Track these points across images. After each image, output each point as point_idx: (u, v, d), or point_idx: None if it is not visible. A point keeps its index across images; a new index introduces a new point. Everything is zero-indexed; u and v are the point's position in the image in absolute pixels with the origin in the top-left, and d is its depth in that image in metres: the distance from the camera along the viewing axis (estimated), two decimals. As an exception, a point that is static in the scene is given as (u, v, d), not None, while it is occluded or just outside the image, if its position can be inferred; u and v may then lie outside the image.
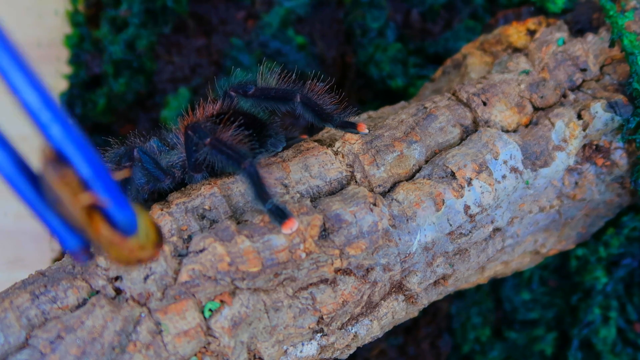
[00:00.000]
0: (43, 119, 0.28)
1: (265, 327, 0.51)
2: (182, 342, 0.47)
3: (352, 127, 0.55)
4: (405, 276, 0.56)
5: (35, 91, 0.27)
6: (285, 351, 0.54)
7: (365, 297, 0.55)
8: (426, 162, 0.58)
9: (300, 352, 0.54)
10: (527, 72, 0.63)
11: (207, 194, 0.53)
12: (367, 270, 0.53)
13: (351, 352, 0.58)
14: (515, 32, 0.69)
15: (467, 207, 0.56)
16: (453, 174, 0.56)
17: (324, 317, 0.53)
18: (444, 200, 0.55)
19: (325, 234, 0.51)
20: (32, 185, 0.30)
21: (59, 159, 0.29)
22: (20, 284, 0.49)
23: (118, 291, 0.48)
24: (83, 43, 0.91)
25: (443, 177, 0.56)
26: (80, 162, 0.29)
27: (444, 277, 0.59)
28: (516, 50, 0.68)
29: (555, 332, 0.80)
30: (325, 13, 0.92)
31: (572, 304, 0.79)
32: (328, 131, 0.61)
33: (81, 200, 0.30)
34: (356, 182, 0.55)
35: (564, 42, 0.65)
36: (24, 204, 0.31)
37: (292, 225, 0.48)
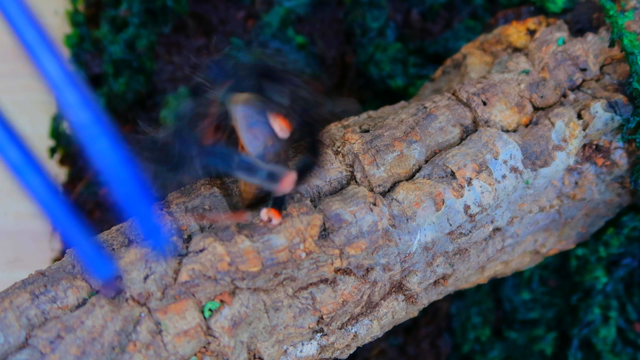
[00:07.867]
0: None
1: (265, 327, 0.51)
2: (182, 342, 0.47)
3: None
4: (405, 276, 0.56)
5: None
6: (285, 351, 0.54)
7: (365, 297, 0.55)
8: (426, 161, 0.58)
9: (300, 351, 0.54)
10: (527, 72, 0.63)
11: (207, 194, 0.53)
12: (367, 270, 0.53)
13: (351, 352, 0.58)
14: (515, 32, 0.69)
15: (467, 207, 0.55)
16: (453, 174, 0.56)
17: (324, 317, 0.53)
18: (444, 200, 0.54)
19: (325, 233, 0.51)
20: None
21: None
22: (20, 284, 0.49)
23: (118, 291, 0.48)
24: (83, 43, 0.91)
25: (443, 177, 0.56)
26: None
27: (444, 277, 0.59)
28: (516, 50, 0.68)
29: (555, 331, 0.80)
30: (325, 13, 0.92)
31: (572, 303, 0.78)
32: (328, 131, 0.61)
33: None
34: (356, 181, 0.55)
35: (564, 42, 0.65)
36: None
37: (290, 178, 0.47)
